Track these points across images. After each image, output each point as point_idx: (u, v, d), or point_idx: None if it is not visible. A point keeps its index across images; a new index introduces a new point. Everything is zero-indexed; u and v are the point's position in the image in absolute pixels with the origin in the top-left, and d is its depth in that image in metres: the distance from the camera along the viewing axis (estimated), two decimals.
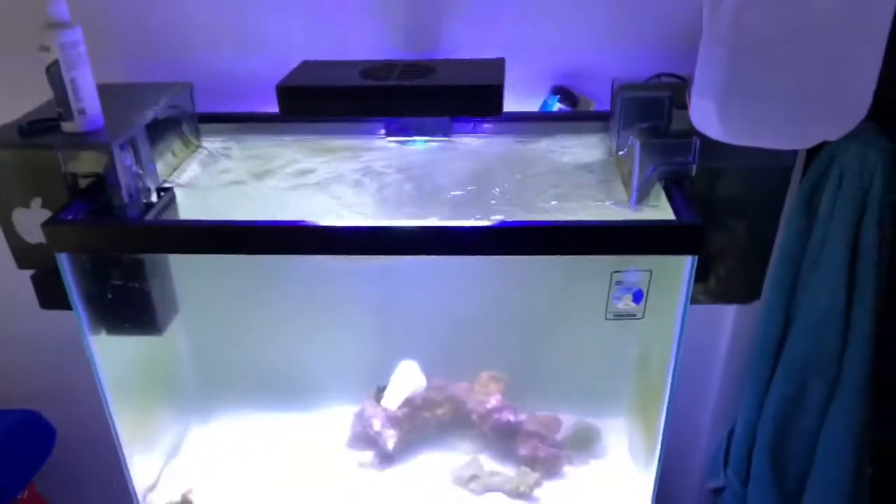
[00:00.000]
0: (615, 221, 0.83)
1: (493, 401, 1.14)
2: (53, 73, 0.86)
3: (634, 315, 0.90)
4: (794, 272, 1.12)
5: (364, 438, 1.16)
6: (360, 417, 1.17)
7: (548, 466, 1.11)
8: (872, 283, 1.05)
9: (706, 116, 0.84)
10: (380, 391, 1.14)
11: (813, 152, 1.01)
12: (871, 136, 1.00)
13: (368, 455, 1.15)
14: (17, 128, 0.90)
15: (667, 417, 0.94)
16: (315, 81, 0.94)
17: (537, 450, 1.11)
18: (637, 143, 0.89)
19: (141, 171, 0.93)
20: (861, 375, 1.09)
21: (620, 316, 0.90)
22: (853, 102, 0.82)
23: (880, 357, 1.08)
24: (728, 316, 1.23)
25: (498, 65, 0.98)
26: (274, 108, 0.93)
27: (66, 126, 0.89)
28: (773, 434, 1.17)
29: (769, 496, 1.21)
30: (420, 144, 1.09)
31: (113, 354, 0.99)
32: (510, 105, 0.92)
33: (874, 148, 1.00)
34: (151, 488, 1.13)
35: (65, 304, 0.92)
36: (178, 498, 1.11)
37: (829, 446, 1.15)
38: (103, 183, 0.88)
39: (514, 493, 1.09)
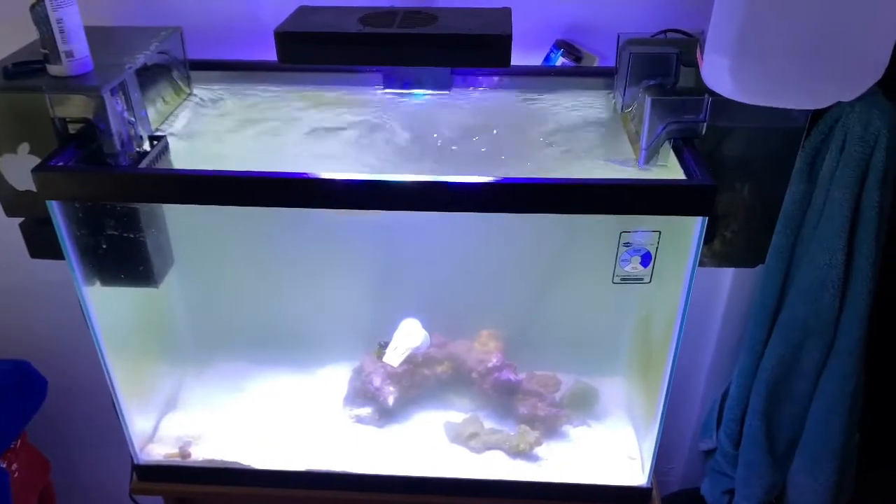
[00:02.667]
0: (625, 180, 0.81)
1: (494, 359, 1.13)
2: (39, 12, 0.82)
3: (641, 279, 0.89)
4: (794, 236, 1.11)
5: (363, 394, 1.15)
6: (360, 373, 1.17)
7: (547, 425, 1.12)
8: (871, 247, 1.05)
9: (719, 73, 0.82)
10: (381, 347, 1.13)
11: (816, 116, 0.99)
12: (875, 100, 0.99)
13: (367, 410, 1.15)
14: (0, 69, 0.86)
15: (669, 381, 0.94)
16: (315, 27, 0.91)
17: (537, 409, 1.12)
18: (648, 100, 0.86)
19: (133, 118, 0.90)
20: (856, 339, 1.10)
21: (627, 279, 0.89)
22: (869, 63, 0.79)
23: (874, 323, 1.09)
24: (726, 279, 1.23)
25: (504, 14, 0.95)
26: (266, 56, 0.89)
27: (53, 69, 0.86)
28: (766, 396, 1.18)
29: (760, 458, 1.23)
30: (419, 97, 1.06)
31: (108, 305, 0.97)
32: (512, 59, 0.89)
33: (879, 112, 0.99)
34: (149, 441, 1.13)
35: (55, 254, 0.90)
36: (175, 450, 1.11)
37: (820, 410, 1.16)
38: (94, 129, 0.85)
39: (514, 452, 1.09)
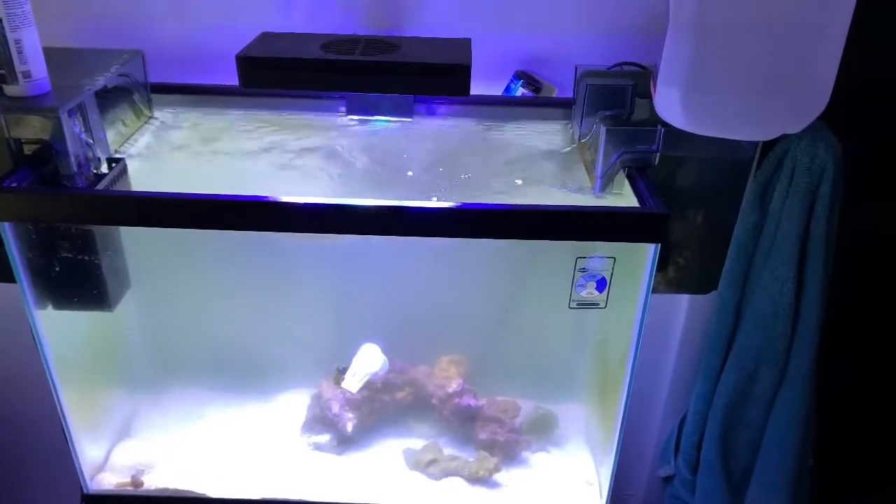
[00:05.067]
0: (581, 206, 0.83)
1: (454, 385, 1.13)
2: None
3: (597, 304, 0.90)
4: (747, 264, 1.14)
5: (322, 421, 1.14)
6: (318, 399, 1.16)
7: (507, 451, 1.12)
8: (820, 277, 1.08)
9: (671, 105, 0.85)
10: (339, 373, 1.12)
11: (766, 148, 1.03)
12: (821, 133, 1.03)
13: (326, 438, 1.13)
14: None
15: (626, 406, 0.95)
16: (277, 53, 0.91)
17: (497, 434, 1.12)
18: (603, 130, 0.89)
19: (91, 140, 0.90)
20: (807, 366, 1.12)
21: (584, 304, 0.90)
22: (813, 96, 0.83)
23: (824, 350, 1.12)
24: (682, 306, 1.25)
25: (464, 44, 0.97)
26: (228, 82, 0.90)
27: (10, 90, 0.85)
28: (722, 423, 1.20)
29: (717, 484, 1.24)
30: (381, 124, 1.07)
31: (60, 329, 0.95)
32: (472, 89, 0.91)
33: (825, 145, 1.02)
34: (100, 469, 1.10)
35: (7, 277, 0.88)
36: (127, 479, 1.08)
37: (774, 436, 1.18)
38: (50, 150, 0.84)
39: (473, 478, 1.09)
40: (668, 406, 1.36)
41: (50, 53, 0.87)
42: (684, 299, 1.24)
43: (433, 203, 0.80)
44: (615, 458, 0.99)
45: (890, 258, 1.21)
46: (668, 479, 1.36)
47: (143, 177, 0.96)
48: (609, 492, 1.04)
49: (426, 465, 1.10)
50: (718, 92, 0.81)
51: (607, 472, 1.03)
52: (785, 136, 0.98)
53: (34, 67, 0.85)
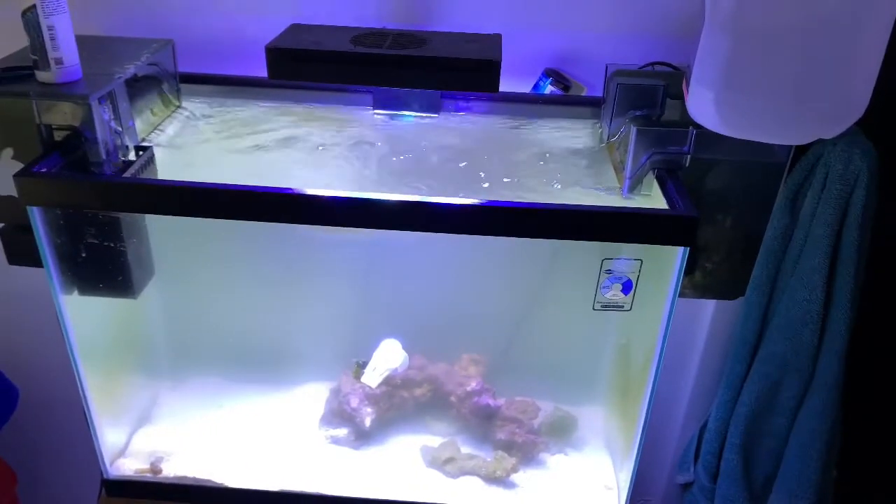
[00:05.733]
0: (609, 207, 0.82)
1: (473, 383, 1.13)
2: (30, 18, 0.83)
3: (622, 306, 0.89)
4: (775, 271, 1.12)
5: (340, 415, 1.14)
6: (337, 393, 1.16)
7: (524, 452, 1.11)
8: (850, 285, 1.06)
9: (704, 106, 0.83)
10: (359, 368, 1.12)
11: (799, 152, 1.01)
12: (857, 139, 1.01)
13: (343, 432, 1.13)
14: None
15: (648, 411, 0.94)
16: (306, 45, 0.91)
17: (515, 435, 1.11)
18: (634, 130, 0.87)
19: (119, 128, 0.90)
20: (834, 376, 1.10)
21: (608, 306, 0.89)
22: (851, 102, 0.81)
23: (851, 360, 1.10)
24: (707, 311, 1.24)
25: (494, 40, 0.96)
26: (257, 73, 0.90)
27: (42, 76, 0.86)
28: (744, 431, 1.18)
29: (737, 493, 1.22)
30: (408, 119, 1.07)
31: (84, 315, 0.96)
32: (501, 86, 0.91)
33: (860, 151, 1.00)
34: (119, 455, 1.11)
35: (34, 261, 0.89)
36: (146, 465, 1.09)
37: (798, 446, 1.16)
38: (80, 137, 0.85)
39: (490, 478, 1.08)
40: (689, 412, 1.35)
41: (82, 41, 0.88)
42: (710, 304, 1.22)
43: (457, 199, 0.79)
44: (635, 463, 0.98)
45: None
46: (686, 486, 1.35)
47: (170, 165, 0.96)
48: (628, 497, 1.03)
49: (443, 462, 1.09)
50: (753, 94, 0.79)
51: (626, 477, 1.02)
52: (819, 141, 0.96)
53: (66, 54, 0.86)
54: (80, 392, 0.99)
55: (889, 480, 1.37)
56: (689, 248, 0.82)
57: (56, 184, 0.83)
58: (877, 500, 1.39)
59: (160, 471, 1.09)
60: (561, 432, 1.15)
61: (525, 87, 1.09)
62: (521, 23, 1.06)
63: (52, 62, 0.85)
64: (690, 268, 0.93)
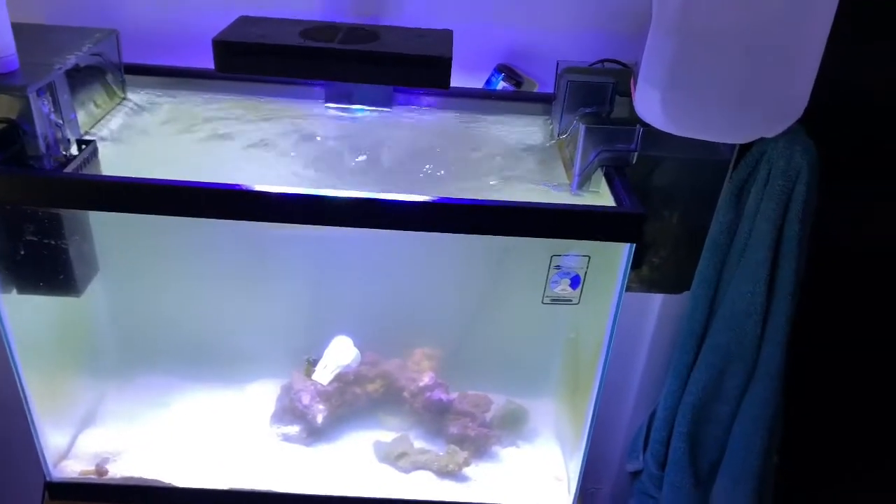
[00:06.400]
0: (557, 204, 0.83)
1: (426, 378, 1.13)
2: None
3: (570, 300, 0.90)
4: (721, 265, 1.15)
5: (291, 412, 1.13)
6: (288, 391, 1.15)
7: (477, 445, 1.12)
8: (792, 278, 1.09)
9: (651, 105, 0.85)
10: (310, 365, 1.11)
11: (744, 149, 1.04)
12: (797, 136, 1.04)
13: (295, 429, 1.13)
14: None
15: (596, 403, 0.96)
16: (254, 38, 0.90)
17: (467, 429, 1.12)
18: (582, 128, 0.89)
19: (60, 121, 0.87)
20: (775, 366, 1.13)
21: (557, 300, 0.90)
22: (792, 101, 0.84)
23: (793, 350, 1.13)
24: (654, 303, 1.26)
25: (446, 36, 0.96)
26: (204, 64, 0.88)
27: None
28: (691, 419, 1.21)
29: (684, 479, 1.25)
30: (359, 112, 1.06)
31: (24, 314, 0.93)
32: (453, 81, 0.91)
33: (800, 148, 1.03)
34: (63, 457, 1.08)
35: None
36: (91, 467, 1.07)
37: (741, 433, 1.20)
38: (17, 131, 0.82)
39: (443, 472, 1.09)
40: (638, 401, 1.37)
41: (19, 30, 0.84)
42: (657, 296, 1.25)
43: (408, 196, 0.79)
44: (584, 454, 1.00)
45: (860, 261, 1.23)
46: (636, 474, 1.38)
47: (115, 159, 0.93)
48: (577, 487, 1.04)
49: (396, 457, 1.09)
50: (697, 94, 0.81)
51: (576, 468, 1.03)
52: (762, 138, 0.98)
53: (2, 44, 0.82)
54: (21, 393, 0.96)
55: (827, 466, 1.42)
56: (635, 245, 0.84)
57: None
58: (817, 484, 1.44)
59: (106, 472, 1.06)
60: (513, 425, 1.16)
61: (478, 83, 1.09)
62: (473, 18, 1.06)
63: None
64: (637, 263, 0.95)
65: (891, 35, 1.03)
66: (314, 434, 1.13)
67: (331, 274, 1.10)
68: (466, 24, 1.04)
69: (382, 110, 1.06)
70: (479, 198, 0.81)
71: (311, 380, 1.11)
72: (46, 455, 1.03)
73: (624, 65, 1.01)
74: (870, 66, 1.05)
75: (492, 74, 1.09)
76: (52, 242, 0.88)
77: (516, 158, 1.00)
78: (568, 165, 0.96)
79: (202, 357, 1.18)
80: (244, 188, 0.79)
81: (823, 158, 1.00)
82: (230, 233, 1.00)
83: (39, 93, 0.82)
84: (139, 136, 0.98)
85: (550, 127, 1.05)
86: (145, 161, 0.95)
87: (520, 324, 1.10)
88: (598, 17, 1.05)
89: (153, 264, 1.09)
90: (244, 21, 0.96)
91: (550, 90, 1.06)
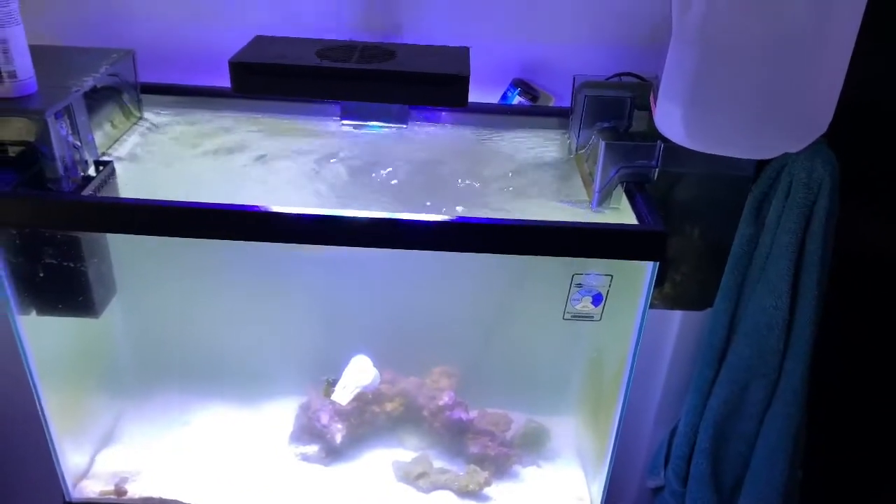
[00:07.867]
0: (578, 223, 0.82)
1: (445, 397, 1.12)
2: None
3: (592, 317, 0.89)
4: (741, 278, 1.13)
5: (310, 431, 1.13)
6: (307, 410, 1.14)
7: (497, 465, 1.11)
8: (814, 291, 1.08)
9: (671, 121, 0.84)
10: (329, 385, 1.11)
11: (763, 161, 1.02)
12: (819, 149, 1.02)
13: (314, 448, 1.12)
14: None
15: (620, 421, 0.94)
16: (270, 59, 0.89)
17: (487, 448, 1.10)
18: (602, 144, 0.88)
19: (78, 143, 0.87)
20: (798, 381, 1.12)
21: (578, 317, 0.89)
22: (815, 117, 0.82)
23: (816, 364, 1.11)
24: (675, 319, 1.25)
25: (463, 53, 0.95)
26: (220, 83, 0.88)
27: None
28: (713, 435, 1.19)
29: (706, 496, 1.23)
30: (376, 129, 1.06)
31: (44, 335, 0.93)
32: (469, 96, 0.90)
33: (822, 161, 1.02)
34: (83, 476, 1.08)
35: None
36: (111, 487, 1.06)
37: (764, 448, 1.18)
38: (35, 153, 0.82)
39: (463, 492, 1.08)
40: (659, 417, 1.36)
41: (37, 52, 0.85)
42: (677, 311, 1.23)
43: (428, 216, 0.78)
44: (607, 474, 0.99)
45: (884, 273, 1.21)
46: (657, 491, 1.36)
47: (132, 180, 0.94)
48: None
49: (416, 477, 1.09)
50: (720, 110, 0.80)
51: (598, 488, 1.02)
52: None
53: (20, 67, 0.83)
54: (40, 413, 0.96)
55: (852, 481, 1.40)
56: (658, 263, 0.83)
57: (10, 203, 0.79)
58: (842, 500, 1.42)
59: (125, 492, 1.06)
60: (533, 444, 1.15)
61: (493, 98, 1.09)
62: (489, 33, 1.05)
63: (5, 76, 0.82)
64: (660, 280, 0.94)
65: None
66: (333, 453, 1.12)
67: (349, 292, 1.10)
68: (482, 40, 1.04)
69: (399, 126, 1.05)
70: (498, 216, 0.81)
71: (331, 399, 1.11)
72: (66, 475, 1.03)
73: (641, 78, 1.00)
74: (891, 78, 1.04)
75: (507, 89, 1.08)
76: (71, 265, 0.88)
77: (534, 174, 0.99)
78: (587, 181, 0.95)
79: (220, 376, 1.18)
80: (260, 209, 0.79)
81: (844, 170, 0.98)
82: (247, 252, 0.99)
83: (57, 116, 0.82)
84: (156, 155, 0.99)
85: (568, 142, 1.04)
86: (162, 180, 0.95)
87: (540, 342, 1.09)
88: (612, 30, 1.05)
89: (171, 285, 1.09)
90: (260, 41, 0.96)
91: (566, 104, 1.05)
